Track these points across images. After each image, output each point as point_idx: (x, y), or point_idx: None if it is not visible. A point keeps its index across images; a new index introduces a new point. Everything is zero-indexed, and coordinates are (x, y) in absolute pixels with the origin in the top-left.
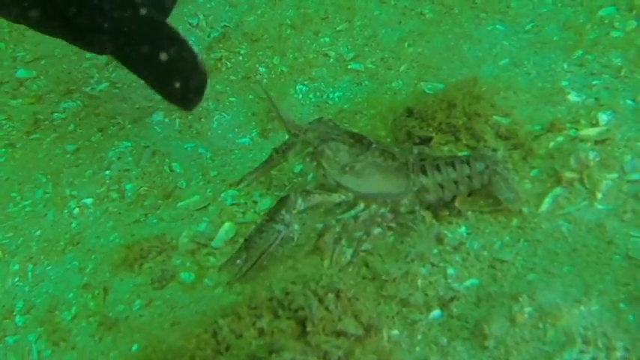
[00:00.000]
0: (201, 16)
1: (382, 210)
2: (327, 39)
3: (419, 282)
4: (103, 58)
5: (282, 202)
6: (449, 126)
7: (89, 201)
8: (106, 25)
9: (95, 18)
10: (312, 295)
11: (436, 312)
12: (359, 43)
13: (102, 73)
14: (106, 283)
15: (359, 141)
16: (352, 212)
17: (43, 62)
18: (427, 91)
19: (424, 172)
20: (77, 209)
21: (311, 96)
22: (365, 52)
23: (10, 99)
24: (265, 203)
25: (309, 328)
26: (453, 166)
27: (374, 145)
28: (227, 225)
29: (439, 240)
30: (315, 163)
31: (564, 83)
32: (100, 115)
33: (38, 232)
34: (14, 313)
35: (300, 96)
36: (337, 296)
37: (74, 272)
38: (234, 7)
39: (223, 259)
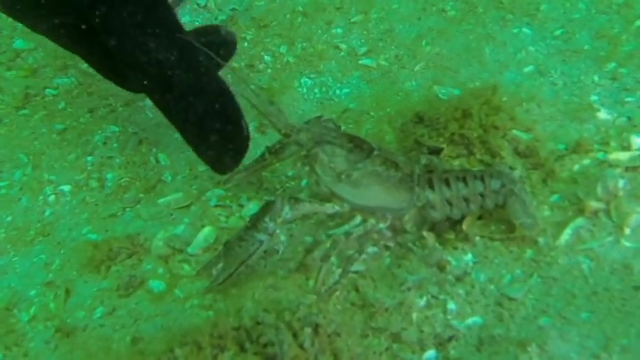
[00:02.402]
0: None
1: (381, 225)
2: (339, 30)
3: (414, 315)
4: None
5: (266, 208)
6: (462, 138)
7: (67, 188)
8: (148, 66)
9: (137, 55)
10: (285, 329)
11: (431, 352)
12: (373, 37)
13: None
14: (70, 284)
15: (358, 146)
16: (346, 227)
17: None
18: (441, 97)
19: (431, 186)
20: (53, 196)
21: (316, 91)
22: (379, 47)
23: (5, 70)
24: (252, 208)
25: None
26: (465, 181)
27: (375, 152)
28: (207, 229)
29: (441, 267)
30: (307, 168)
31: (593, 98)
32: (93, 95)
33: (9, 219)
34: None
35: (305, 90)
36: (315, 331)
37: (40, 267)
38: None
39: (198, 267)
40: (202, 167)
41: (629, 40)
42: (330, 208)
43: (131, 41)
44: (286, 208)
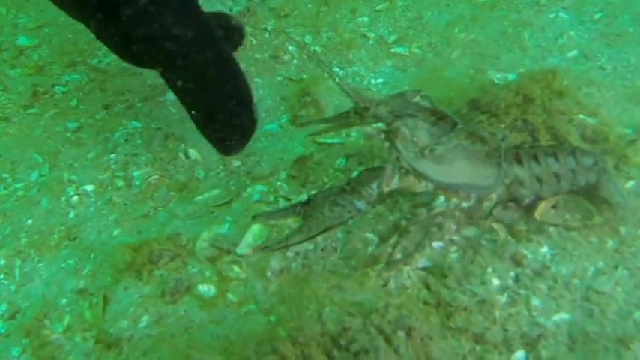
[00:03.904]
0: None
1: (464, 205)
2: (365, 18)
3: (496, 313)
4: None
5: (373, 173)
6: (525, 123)
7: (90, 188)
8: (162, 41)
9: (153, 30)
10: (376, 333)
11: (519, 353)
12: (401, 26)
13: None
14: (107, 291)
15: (442, 119)
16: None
17: (46, 30)
18: (496, 82)
19: (519, 162)
20: (76, 197)
21: (349, 80)
22: (409, 35)
23: (9, 68)
24: None
25: None
26: (555, 157)
27: (459, 126)
28: (255, 228)
29: (516, 261)
30: (387, 144)
31: None
32: (107, 91)
33: (30, 222)
34: None
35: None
36: (408, 334)
37: (69, 273)
38: None
39: (250, 269)
40: (237, 162)
41: None
42: (423, 186)
43: (148, 15)
44: (396, 177)
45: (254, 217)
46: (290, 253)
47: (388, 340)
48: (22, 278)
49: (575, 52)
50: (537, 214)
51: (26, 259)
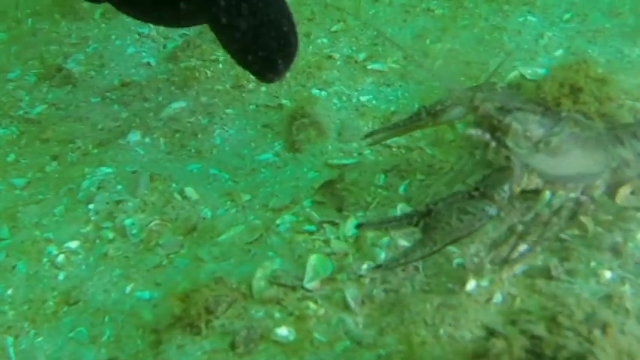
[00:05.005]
0: (151, 25)
1: (571, 195)
2: (324, 40)
3: (627, 305)
4: (31, 78)
5: (503, 174)
6: (578, 113)
7: (74, 245)
8: None
9: None
10: (575, 336)
11: None
12: (365, 44)
13: (33, 94)
14: (152, 354)
15: (548, 109)
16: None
17: None
18: (528, 77)
19: (621, 142)
20: (61, 256)
21: (335, 101)
22: (378, 51)
23: None
24: (350, 228)
25: None
26: None
27: (564, 114)
28: (314, 258)
29: (616, 251)
30: (493, 144)
31: None
32: (50, 141)
33: (9, 292)
34: None
35: (322, 102)
36: (604, 332)
37: (82, 343)
38: None
39: (327, 303)
40: (247, 196)
41: None
42: (536, 183)
43: None
44: (526, 176)
45: (359, 226)
46: (365, 280)
47: (590, 342)
48: (19, 358)
49: (560, 51)
50: (619, 200)
51: (19, 335)
